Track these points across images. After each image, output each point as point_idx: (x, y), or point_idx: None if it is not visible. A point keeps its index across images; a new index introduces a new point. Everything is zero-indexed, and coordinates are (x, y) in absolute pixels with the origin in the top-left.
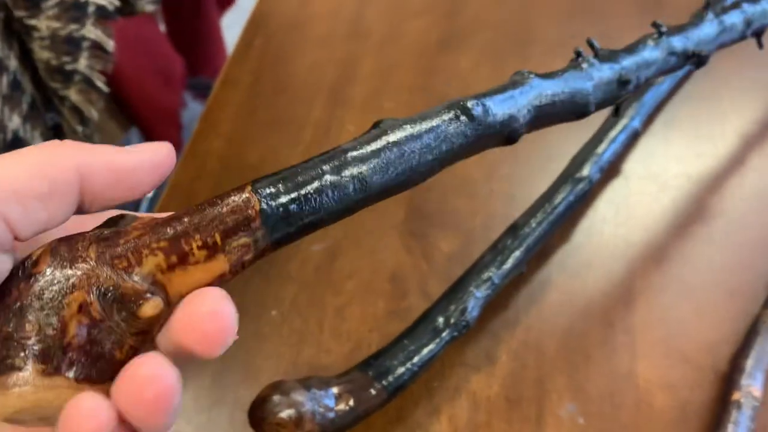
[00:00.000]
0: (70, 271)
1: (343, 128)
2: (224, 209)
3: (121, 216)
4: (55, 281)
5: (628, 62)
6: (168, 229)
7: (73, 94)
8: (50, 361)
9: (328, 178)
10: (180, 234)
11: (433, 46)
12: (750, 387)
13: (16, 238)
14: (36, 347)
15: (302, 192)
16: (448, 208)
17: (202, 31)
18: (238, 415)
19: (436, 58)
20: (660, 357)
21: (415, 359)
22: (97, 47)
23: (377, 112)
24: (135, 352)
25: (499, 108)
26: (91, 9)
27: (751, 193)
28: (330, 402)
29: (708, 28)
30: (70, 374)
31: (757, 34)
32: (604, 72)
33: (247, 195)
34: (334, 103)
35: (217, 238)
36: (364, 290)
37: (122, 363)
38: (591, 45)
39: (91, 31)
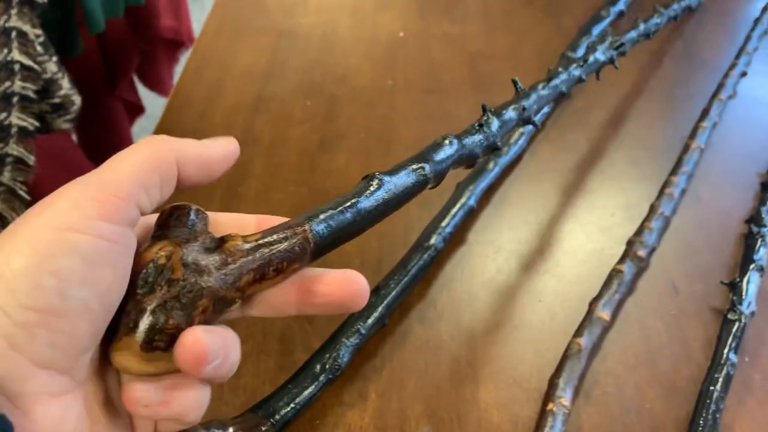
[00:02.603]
0: (201, 283)
1: None
2: (292, 244)
3: (183, 207)
4: (190, 290)
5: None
6: (260, 257)
7: None
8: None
9: (348, 217)
10: (266, 263)
11: (314, 147)
12: (561, 399)
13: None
14: (176, 335)
15: (339, 227)
16: None
17: (114, 140)
18: None
19: (316, 157)
20: (496, 384)
21: (298, 399)
22: (19, 162)
23: (267, 204)
24: None
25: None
26: (14, 130)
27: (566, 251)
28: None
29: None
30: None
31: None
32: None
33: (305, 234)
34: (230, 197)
35: (284, 265)
36: (258, 351)
37: None
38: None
39: (14, 149)
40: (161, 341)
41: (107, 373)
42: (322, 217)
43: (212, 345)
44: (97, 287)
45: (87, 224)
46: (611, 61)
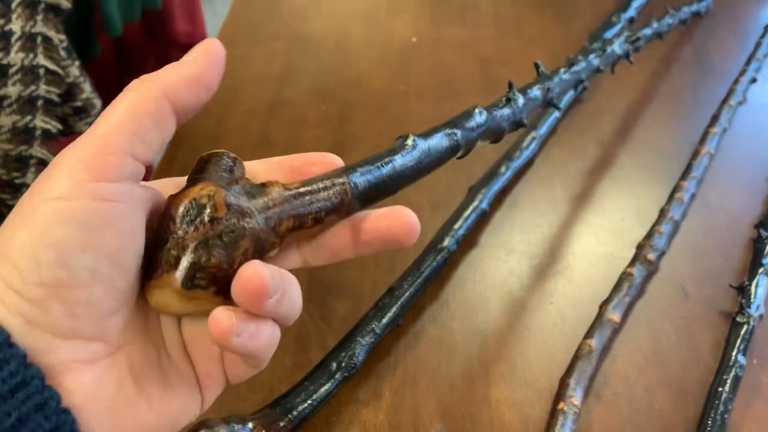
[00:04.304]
0: (242, 224)
1: None
2: (330, 195)
3: (220, 153)
4: (233, 229)
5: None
6: (299, 204)
7: None
8: (219, 284)
9: (384, 172)
10: (305, 211)
11: (327, 151)
12: (572, 398)
13: (146, 165)
14: (216, 275)
15: (375, 181)
16: (343, 279)
17: None
18: None
19: None
20: (507, 383)
21: (315, 396)
22: (43, 164)
23: None
24: None
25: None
26: (38, 132)
27: (576, 254)
28: None
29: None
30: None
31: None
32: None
33: (344, 186)
34: None
35: (323, 215)
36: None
37: None
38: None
39: (38, 151)
40: (202, 279)
41: (156, 333)
42: (359, 170)
43: (271, 278)
44: (101, 250)
45: (79, 189)
46: (627, 55)
